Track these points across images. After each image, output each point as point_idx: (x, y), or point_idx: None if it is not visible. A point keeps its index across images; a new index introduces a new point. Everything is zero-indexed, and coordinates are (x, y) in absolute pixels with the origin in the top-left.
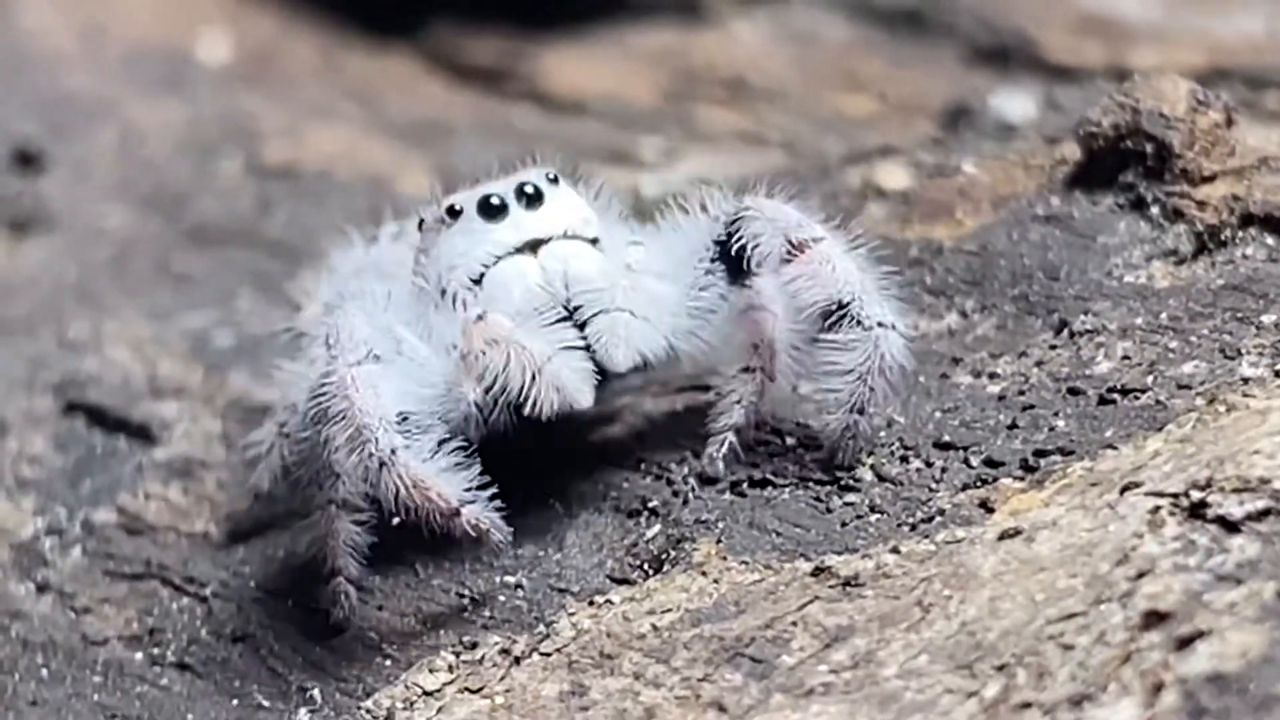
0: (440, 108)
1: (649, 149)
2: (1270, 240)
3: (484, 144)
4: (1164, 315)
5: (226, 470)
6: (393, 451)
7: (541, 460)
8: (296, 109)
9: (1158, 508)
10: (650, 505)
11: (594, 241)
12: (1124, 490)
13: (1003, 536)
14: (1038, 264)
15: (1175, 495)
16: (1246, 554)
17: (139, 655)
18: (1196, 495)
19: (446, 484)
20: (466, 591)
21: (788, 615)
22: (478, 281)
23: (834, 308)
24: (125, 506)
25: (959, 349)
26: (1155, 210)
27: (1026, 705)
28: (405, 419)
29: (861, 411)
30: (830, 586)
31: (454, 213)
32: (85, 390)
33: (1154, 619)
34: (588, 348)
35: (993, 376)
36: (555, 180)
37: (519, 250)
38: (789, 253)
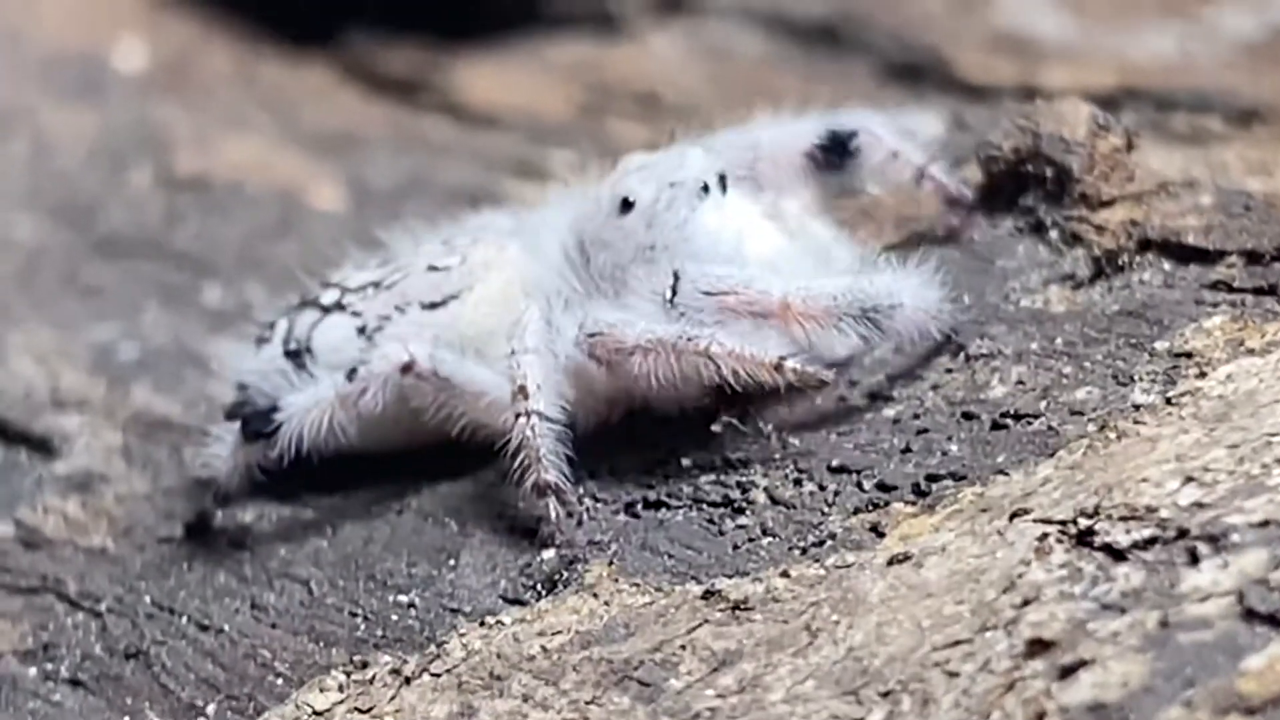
0: (354, 119)
1: (560, 163)
2: (1167, 265)
3: (396, 156)
4: (1059, 340)
5: (126, 484)
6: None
7: (437, 476)
8: (210, 118)
9: (1045, 534)
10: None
11: None
12: (1013, 516)
13: (892, 561)
14: None
15: (1063, 522)
16: (1131, 583)
17: (32, 671)
18: (1084, 523)
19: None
20: (359, 610)
21: (677, 639)
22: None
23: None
24: (23, 520)
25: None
26: (1054, 234)
27: None
28: None
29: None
30: (720, 610)
31: (706, 189)
32: None
33: (1038, 647)
34: None
35: (889, 400)
36: None
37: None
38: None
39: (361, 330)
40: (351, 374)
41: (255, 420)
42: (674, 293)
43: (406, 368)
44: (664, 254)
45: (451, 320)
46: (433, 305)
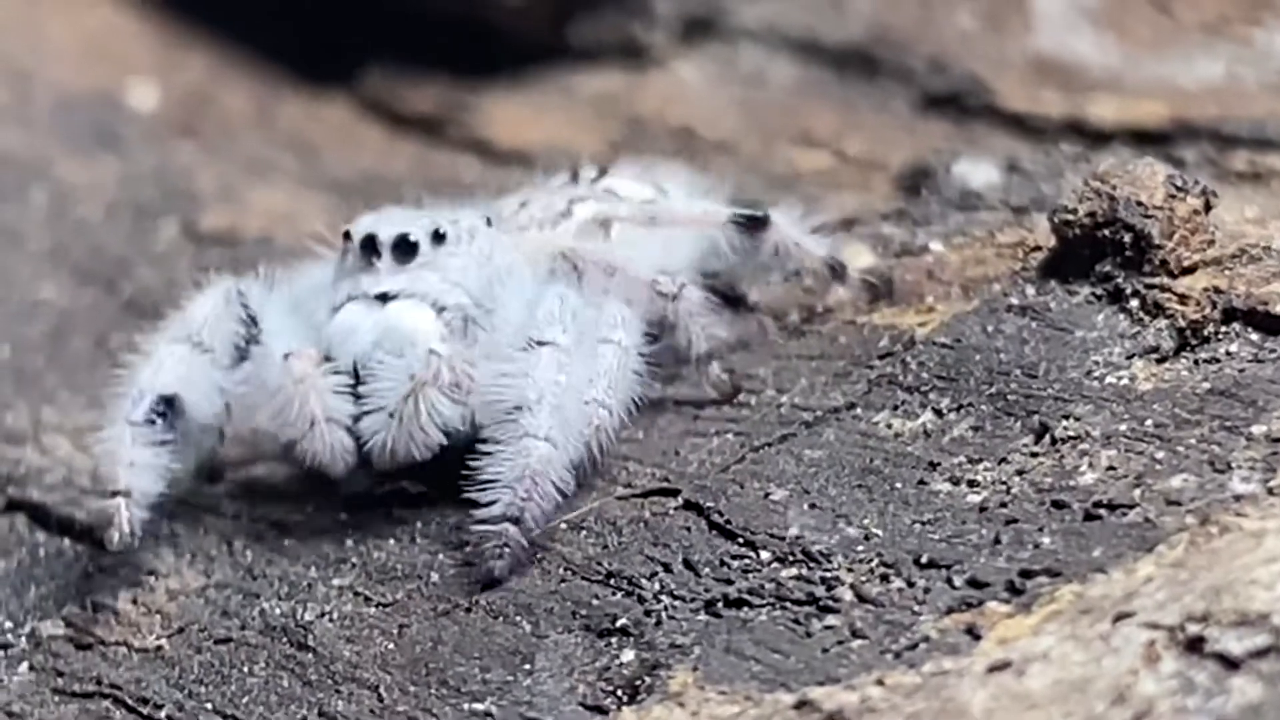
0: (379, 158)
1: None
2: (1254, 336)
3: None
4: (1149, 422)
5: (178, 578)
6: None
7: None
8: (232, 163)
9: (1153, 641)
10: (621, 624)
11: None
12: (1116, 620)
13: (992, 669)
14: (1014, 360)
15: (1171, 628)
16: (1248, 696)
17: None
18: (1193, 629)
19: None
20: None
21: None
22: None
23: None
24: (73, 618)
25: (935, 452)
26: (1134, 303)
27: None
28: None
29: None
30: None
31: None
32: (26, 486)
33: None
34: None
35: (972, 484)
36: None
37: None
38: None
39: None
40: None
41: None
42: None
43: None
44: None
45: None
46: None
